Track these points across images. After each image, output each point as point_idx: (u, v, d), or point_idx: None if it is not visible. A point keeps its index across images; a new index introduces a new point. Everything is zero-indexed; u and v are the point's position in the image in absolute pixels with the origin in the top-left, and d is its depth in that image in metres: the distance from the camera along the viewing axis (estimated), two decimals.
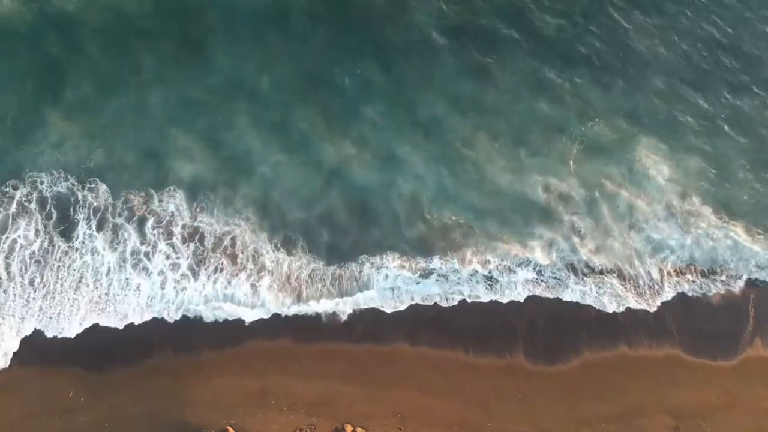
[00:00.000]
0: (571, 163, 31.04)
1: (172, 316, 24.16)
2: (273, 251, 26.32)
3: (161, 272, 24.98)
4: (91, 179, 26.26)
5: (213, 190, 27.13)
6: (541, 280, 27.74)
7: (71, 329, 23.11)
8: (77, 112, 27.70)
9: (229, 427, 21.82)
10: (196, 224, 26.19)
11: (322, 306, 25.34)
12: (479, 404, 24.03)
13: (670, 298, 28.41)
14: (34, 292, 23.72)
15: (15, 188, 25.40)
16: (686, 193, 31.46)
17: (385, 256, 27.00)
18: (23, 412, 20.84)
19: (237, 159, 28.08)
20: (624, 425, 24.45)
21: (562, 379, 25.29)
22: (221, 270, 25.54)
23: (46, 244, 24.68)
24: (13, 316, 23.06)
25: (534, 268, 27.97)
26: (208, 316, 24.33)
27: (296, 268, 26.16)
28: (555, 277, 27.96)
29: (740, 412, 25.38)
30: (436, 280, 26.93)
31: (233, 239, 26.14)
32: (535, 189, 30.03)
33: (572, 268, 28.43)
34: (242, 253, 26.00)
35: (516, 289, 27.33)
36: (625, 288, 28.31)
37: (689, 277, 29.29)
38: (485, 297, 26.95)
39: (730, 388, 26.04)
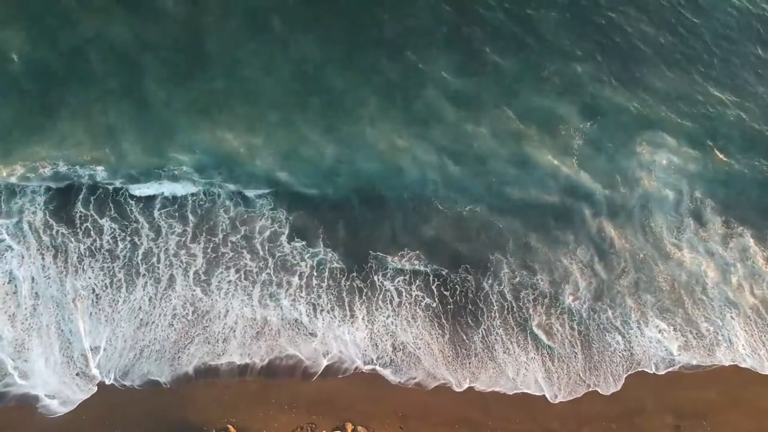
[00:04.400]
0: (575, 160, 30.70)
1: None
2: (287, 241, 25.40)
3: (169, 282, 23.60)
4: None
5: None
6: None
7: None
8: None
9: (230, 426, 21.80)
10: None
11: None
12: (480, 403, 24.01)
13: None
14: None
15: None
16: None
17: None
18: (24, 412, 20.77)
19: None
20: (625, 425, 24.45)
21: None
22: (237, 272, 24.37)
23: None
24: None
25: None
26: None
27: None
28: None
29: (741, 411, 25.34)
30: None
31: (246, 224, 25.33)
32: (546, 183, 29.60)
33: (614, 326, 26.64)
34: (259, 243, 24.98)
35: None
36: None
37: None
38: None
39: (731, 388, 26.01)
